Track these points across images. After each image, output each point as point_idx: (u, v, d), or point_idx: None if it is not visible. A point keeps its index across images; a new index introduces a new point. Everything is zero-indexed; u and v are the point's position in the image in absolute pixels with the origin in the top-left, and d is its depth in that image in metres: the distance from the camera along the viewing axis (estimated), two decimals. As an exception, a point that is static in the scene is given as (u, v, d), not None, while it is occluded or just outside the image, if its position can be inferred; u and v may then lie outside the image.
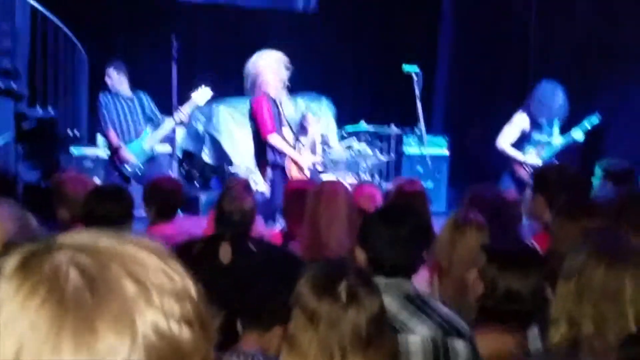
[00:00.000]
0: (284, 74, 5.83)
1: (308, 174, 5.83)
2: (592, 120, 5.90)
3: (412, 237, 2.18)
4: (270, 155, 5.74)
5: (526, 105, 5.95)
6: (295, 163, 5.76)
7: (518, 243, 2.97)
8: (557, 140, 5.92)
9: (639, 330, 1.88)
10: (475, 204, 3.02)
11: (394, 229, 2.18)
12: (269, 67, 5.83)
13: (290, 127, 5.94)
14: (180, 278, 0.73)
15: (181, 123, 6.55)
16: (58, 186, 3.11)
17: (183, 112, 6.33)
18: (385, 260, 2.14)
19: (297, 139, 5.89)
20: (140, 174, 6.35)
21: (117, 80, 6.37)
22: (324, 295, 1.62)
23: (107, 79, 6.38)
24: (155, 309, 0.68)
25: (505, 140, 5.94)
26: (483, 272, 2.15)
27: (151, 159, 6.50)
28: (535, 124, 5.88)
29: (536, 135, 5.92)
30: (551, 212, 2.93)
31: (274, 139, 5.65)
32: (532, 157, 5.88)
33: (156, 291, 0.69)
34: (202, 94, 6.40)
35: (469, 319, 2.23)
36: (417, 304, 2.07)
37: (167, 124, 6.45)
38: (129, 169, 6.36)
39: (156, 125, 6.53)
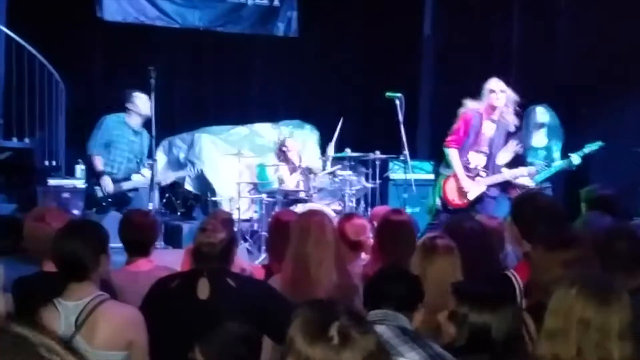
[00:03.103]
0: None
1: (466, 201, 5.84)
2: (592, 147, 6.10)
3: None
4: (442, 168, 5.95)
5: (520, 131, 6.17)
6: (458, 185, 5.82)
7: (496, 274, 2.98)
8: (556, 163, 6.20)
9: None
10: (451, 233, 3.02)
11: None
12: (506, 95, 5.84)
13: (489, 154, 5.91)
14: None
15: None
16: (27, 222, 3.09)
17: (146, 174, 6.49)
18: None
19: (486, 168, 5.91)
20: (109, 202, 6.36)
21: (144, 107, 6.34)
22: (316, 340, 1.58)
23: (132, 105, 6.33)
24: None
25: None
26: (454, 314, 2.17)
27: (125, 198, 6.51)
28: (530, 148, 6.21)
29: (530, 158, 6.23)
30: (528, 242, 2.95)
31: (451, 152, 5.77)
32: (523, 179, 6.08)
33: None
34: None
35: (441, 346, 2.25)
36: (412, 336, 2.14)
37: (142, 178, 6.58)
38: (99, 195, 6.33)
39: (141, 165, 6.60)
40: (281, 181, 7.80)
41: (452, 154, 5.78)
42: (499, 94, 5.77)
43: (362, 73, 10.19)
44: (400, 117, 6.34)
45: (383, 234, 3.69)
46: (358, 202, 8.26)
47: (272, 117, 9.77)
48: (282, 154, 7.88)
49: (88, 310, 2.47)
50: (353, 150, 8.12)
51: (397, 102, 6.22)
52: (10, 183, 8.01)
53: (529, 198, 3.33)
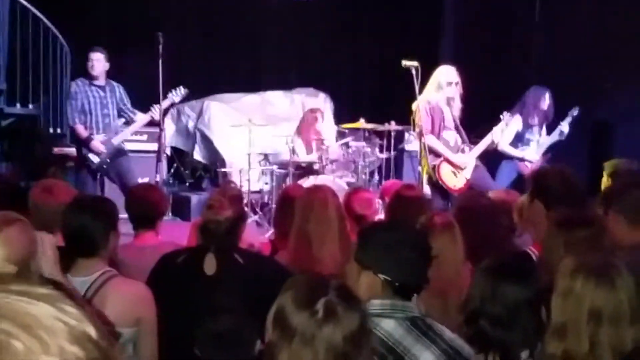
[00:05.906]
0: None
1: (465, 180, 5.90)
2: (573, 112, 6.78)
3: (414, 255, 2.20)
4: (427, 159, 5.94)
5: (519, 108, 6.78)
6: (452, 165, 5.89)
7: (512, 252, 3.01)
8: (546, 138, 6.86)
9: (635, 349, 1.93)
10: (463, 213, 3.03)
11: (395, 246, 2.19)
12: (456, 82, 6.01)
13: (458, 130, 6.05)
14: (76, 321, 0.76)
15: (158, 123, 6.66)
16: (33, 193, 3.13)
17: (156, 110, 6.48)
18: (392, 280, 2.13)
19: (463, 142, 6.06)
20: (105, 167, 6.45)
21: (98, 66, 6.44)
22: (302, 310, 1.65)
23: (88, 63, 6.44)
24: (54, 356, 0.72)
25: (504, 141, 6.66)
26: (475, 284, 2.19)
27: (120, 152, 6.57)
28: (527, 125, 6.76)
29: (528, 135, 6.81)
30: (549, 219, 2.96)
31: (429, 138, 5.85)
32: (529, 153, 6.78)
33: (52, 340, 0.73)
34: (179, 94, 6.65)
35: (451, 325, 2.26)
36: (422, 328, 2.11)
37: (140, 118, 6.57)
38: (95, 161, 6.43)
39: (127, 118, 6.63)
40: (293, 152, 7.83)
41: (431, 139, 5.85)
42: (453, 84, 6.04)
43: (379, 40, 10.12)
44: (417, 87, 6.32)
45: (394, 210, 3.71)
46: (372, 174, 8.29)
47: (285, 84, 9.76)
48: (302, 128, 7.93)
49: (97, 287, 2.52)
50: (367, 121, 8.12)
51: (414, 71, 6.18)
52: (13, 150, 8.09)
53: (557, 173, 3.29)
